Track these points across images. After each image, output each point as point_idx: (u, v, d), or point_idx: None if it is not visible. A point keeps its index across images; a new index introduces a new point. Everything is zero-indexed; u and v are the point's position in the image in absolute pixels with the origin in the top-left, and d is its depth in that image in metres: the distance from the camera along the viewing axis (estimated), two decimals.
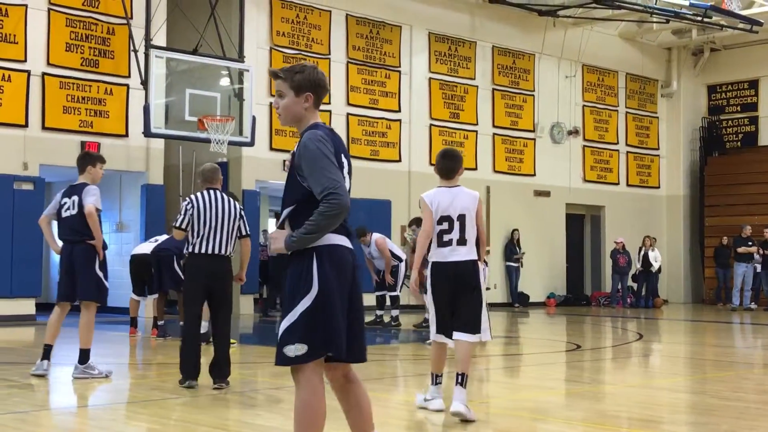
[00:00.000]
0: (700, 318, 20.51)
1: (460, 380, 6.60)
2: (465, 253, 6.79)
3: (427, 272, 6.94)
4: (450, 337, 6.79)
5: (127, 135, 17.46)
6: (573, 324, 18.60)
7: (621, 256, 23.96)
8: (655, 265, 24.21)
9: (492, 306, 22.15)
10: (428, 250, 6.91)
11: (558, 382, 9.65)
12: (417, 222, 12.95)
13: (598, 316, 20.77)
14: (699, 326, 18.59)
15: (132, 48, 16.78)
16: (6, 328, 14.79)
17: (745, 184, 25.98)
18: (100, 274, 8.69)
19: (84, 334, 8.66)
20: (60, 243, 8.82)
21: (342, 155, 4.24)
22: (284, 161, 19.65)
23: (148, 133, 16.04)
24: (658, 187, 27.50)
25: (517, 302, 23.18)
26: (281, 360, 4.11)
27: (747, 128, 27.48)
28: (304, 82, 4.25)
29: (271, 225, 22.69)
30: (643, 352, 12.95)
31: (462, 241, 6.79)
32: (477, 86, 23.22)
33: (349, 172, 4.31)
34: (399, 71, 21.75)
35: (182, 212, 8.15)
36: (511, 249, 23.26)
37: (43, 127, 16.58)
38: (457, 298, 6.75)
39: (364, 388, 4.37)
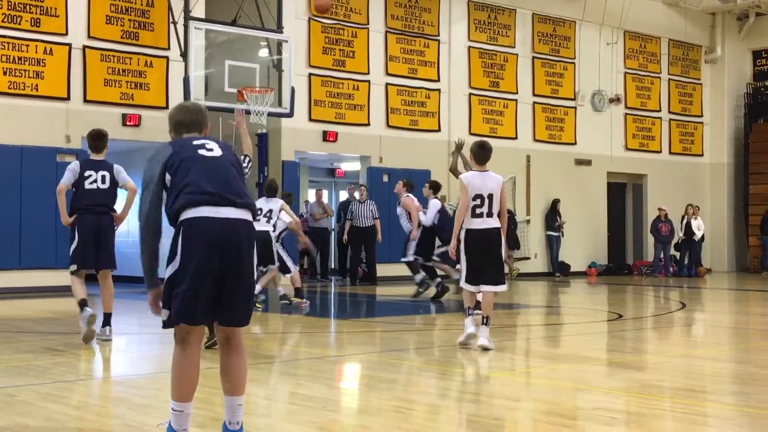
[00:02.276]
0: (744, 287, 20.29)
1: (485, 321, 8.65)
2: (492, 223, 8.73)
3: (461, 237, 8.69)
4: (477, 285, 8.65)
5: (167, 107, 17.54)
6: (614, 293, 18.49)
7: (663, 225, 23.73)
8: (698, 234, 23.96)
9: (533, 275, 22.11)
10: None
11: (600, 351, 9.60)
12: (433, 185, 15.15)
13: (639, 285, 20.63)
14: (743, 295, 18.40)
15: (171, 20, 16.84)
16: (51, 299, 15.03)
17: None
18: None
19: (111, 300, 9.23)
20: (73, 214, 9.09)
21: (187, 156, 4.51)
22: (324, 131, 19.67)
23: None
24: (702, 155, 27.14)
25: (558, 272, 23.08)
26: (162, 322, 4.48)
27: None
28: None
29: (311, 195, 22.74)
30: (686, 321, 12.85)
31: (490, 214, 8.68)
32: (517, 54, 23.02)
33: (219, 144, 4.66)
34: (438, 40, 21.61)
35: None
36: (552, 218, 23.13)
37: (85, 100, 16.74)
38: (485, 256, 8.61)
39: (240, 356, 4.61)
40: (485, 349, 8.49)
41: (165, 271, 4.40)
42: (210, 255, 4.31)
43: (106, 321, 9.18)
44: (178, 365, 4.43)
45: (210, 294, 4.35)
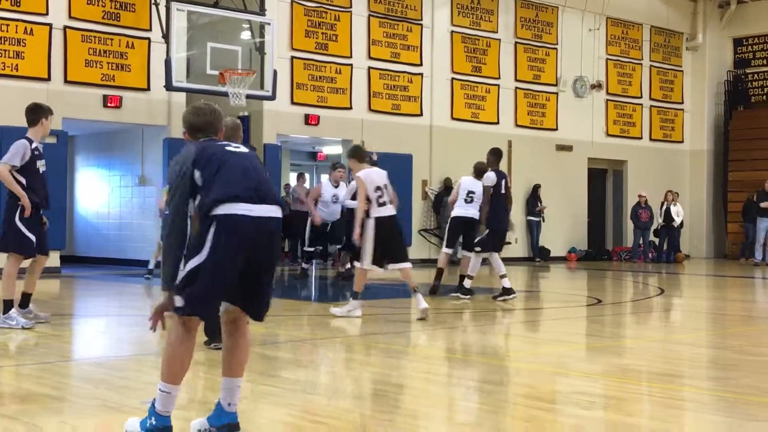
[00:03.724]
0: (722, 273, 20.47)
1: (416, 289, 9.93)
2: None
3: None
4: (383, 266, 10.15)
5: (148, 89, 17.48)
6: (594, 279, 18.61)
7: (643, 211, 23.87)
8: (677, 220, 24.11)
9: (513, 260, 22.21)
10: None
11: (579, 336, 9.68)
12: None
13: (619, 270, 20.76)
14: (721, 281, 18.56)
15: (153, 1, 16.73)
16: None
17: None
18: (21, 225, 8.64)
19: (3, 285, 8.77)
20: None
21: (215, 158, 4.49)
22: (306, 114, 19.63)
23: (169, 86, 16.03)
24: (682, 142, 27.28)
25: (538, 257, 23.19)
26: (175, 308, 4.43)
27: None
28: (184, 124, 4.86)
29: (293, 179, 22.70)
30: (664, 306, 12.96)
31: (390, 202, 10.15)
32: (499, 39, 23.03)
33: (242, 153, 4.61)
34: (421, 24, 21.59)
35: None
36: (533, 203, 23.21)
37: (66, 81, 16.62)
38: (393, 239, 10.14)
39: (244, 336, 4.68)
40: (425, 311, 9.82)
41: (186, 263, 4.36)
42: (241, 252, 4.33)
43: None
44: (176, 348, 4.43)
45: (230, 289, 4.43)
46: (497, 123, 22.81)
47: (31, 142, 8.74)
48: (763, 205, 22.86)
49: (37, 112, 8.83)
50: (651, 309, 12.49)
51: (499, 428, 5.13)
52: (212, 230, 4.32)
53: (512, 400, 5.93)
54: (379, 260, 10.05)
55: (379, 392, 6.13)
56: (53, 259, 16.44)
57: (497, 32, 23.01)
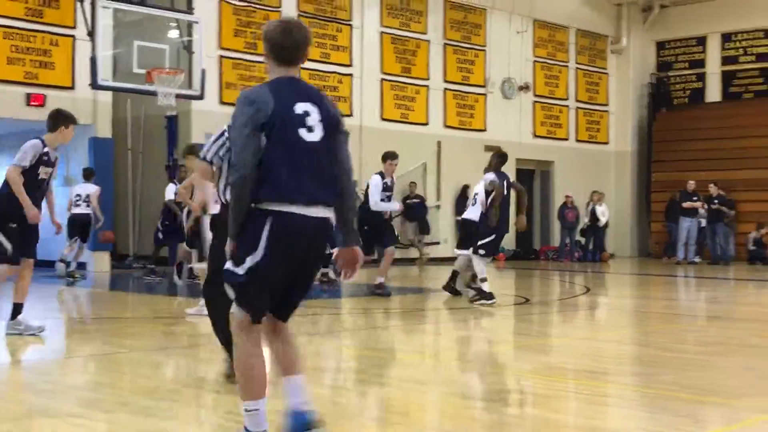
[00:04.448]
0: (646, 272, 20.87)
1: None
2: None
3: None
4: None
5: (73, 87, 17.16)
6: (522, 278, 18.82)
7: (569, 211, 24.23)
8: (603, 220, 24.52)
9: (442, 260, 22.35)
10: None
11: (507, 335, 9.79)
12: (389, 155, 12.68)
13: (546, 270, 21.03)
14: (644, 280, 18.92)
15: None
16: None
17: (691, 140, 26.33)
18: None
19: None
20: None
21: (296, 105, 4.12)
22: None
23: (95, 85, 15.76)
24: (607, 143, 27.75)
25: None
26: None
27: (694, 85, 27.80)
28: (263, 40, 4.20)
29: None
30: (590, 305, 13.16)
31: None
32: (429, 41, 23.16)
33: (322, 120, 4.19)
34: (351, 25, 21.60)
35: None
36: (462, 204, 23.35)
37: None
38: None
39: (290, 336, 4.36)
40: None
41: (244, 258, 4.03)
42: (297, 256, 4.07)
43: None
44: (245, 357, 4.08)
45: (277, 291, 4.16)
46: (427, 124, 22.93)
47: (44, 145, 8.42)
48: (685, 205, 23.37)
49: (57, 119, 8.51)
50: (577, 307, 12.68)
51: (428, 426, 5.17)
52: (268, 228, 4.01)
53: (442, 399, 5.97)
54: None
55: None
56: None
57: (427, 33, 23.13)
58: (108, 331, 9.17)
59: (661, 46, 28.38)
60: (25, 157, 8.31)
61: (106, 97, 17.58)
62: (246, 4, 19.64)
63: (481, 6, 24.17)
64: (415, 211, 21.44)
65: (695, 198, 23.38)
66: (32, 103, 16.70)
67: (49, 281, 14.80)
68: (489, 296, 11.60)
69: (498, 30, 24.57)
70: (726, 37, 27.18)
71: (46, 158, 8.43)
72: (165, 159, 19.24)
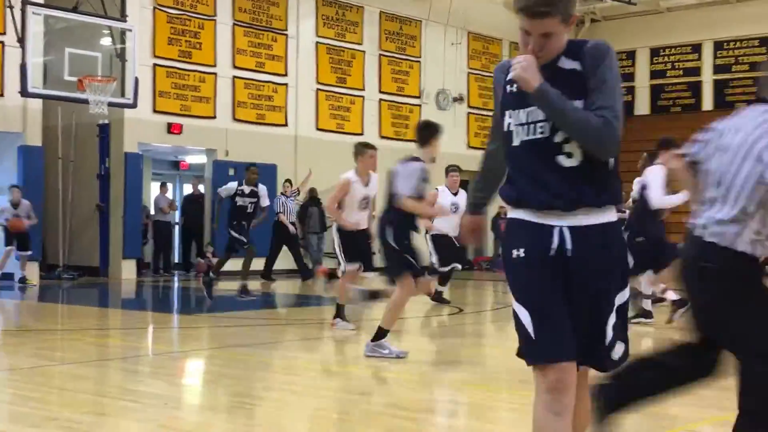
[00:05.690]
0: None
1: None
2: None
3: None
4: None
5: (2, 94, 16.83)
6: (456, 288, 18.91)
7: (503, 222, 24.47)
8: None
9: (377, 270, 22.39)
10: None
11: (441, 345, 9.83)
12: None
13: (480, 280, 21.19)
14: None
15: (7, 3, 16.13)
16: None
17: (622, 152, 26.77)
18: None
19: None
20: None
21: None
22: (168, 123, 19.25)
23: (25, 92, 15.47)
24: None
25: None
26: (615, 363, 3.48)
27: (624, 98, 28.20)
28: (571, 6, 3.50)
29: (155, 188, 22.25)
30: None
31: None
32: (364, 51, 23.22)
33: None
34: (286, 35, 21.55)
35: None
36: None
37: None
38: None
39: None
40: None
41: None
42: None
43: None
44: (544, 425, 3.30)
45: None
46: (362, 134, 22.93)
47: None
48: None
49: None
50: (510, 317, 12.76)
51: None
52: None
53: (378, 410, 5.98)
54: None
55: (240, 404, 6.08)
56: None
57: (362, 44, 23.19)
58: (36, 343, 8.99)
59: None
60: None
61: (37, 104, 17.27)
62: (180, 12, 19.47)
63: (416, 18, 24.33)
64: None
65: (622, 211, 23.73)
66: None
67: None
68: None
69: (433, 41, 24.75)
70: (654, 52, 27.81)
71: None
72: (97, 168, 18.99)
